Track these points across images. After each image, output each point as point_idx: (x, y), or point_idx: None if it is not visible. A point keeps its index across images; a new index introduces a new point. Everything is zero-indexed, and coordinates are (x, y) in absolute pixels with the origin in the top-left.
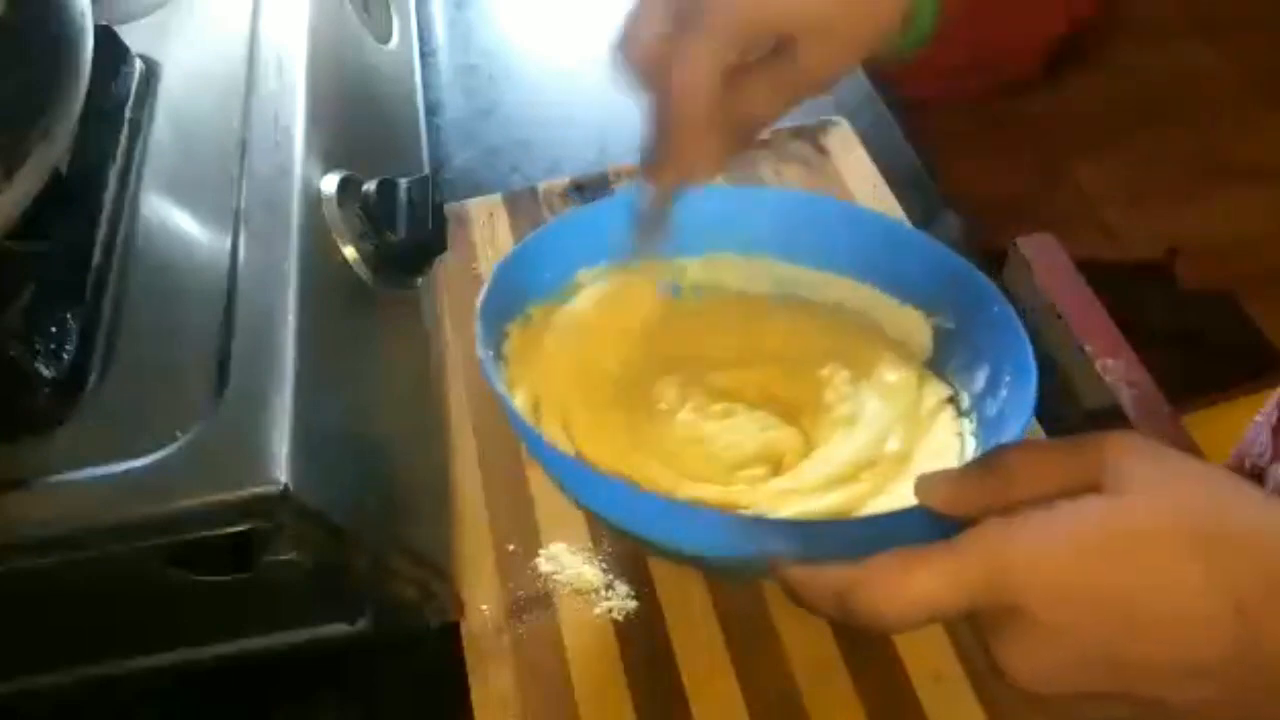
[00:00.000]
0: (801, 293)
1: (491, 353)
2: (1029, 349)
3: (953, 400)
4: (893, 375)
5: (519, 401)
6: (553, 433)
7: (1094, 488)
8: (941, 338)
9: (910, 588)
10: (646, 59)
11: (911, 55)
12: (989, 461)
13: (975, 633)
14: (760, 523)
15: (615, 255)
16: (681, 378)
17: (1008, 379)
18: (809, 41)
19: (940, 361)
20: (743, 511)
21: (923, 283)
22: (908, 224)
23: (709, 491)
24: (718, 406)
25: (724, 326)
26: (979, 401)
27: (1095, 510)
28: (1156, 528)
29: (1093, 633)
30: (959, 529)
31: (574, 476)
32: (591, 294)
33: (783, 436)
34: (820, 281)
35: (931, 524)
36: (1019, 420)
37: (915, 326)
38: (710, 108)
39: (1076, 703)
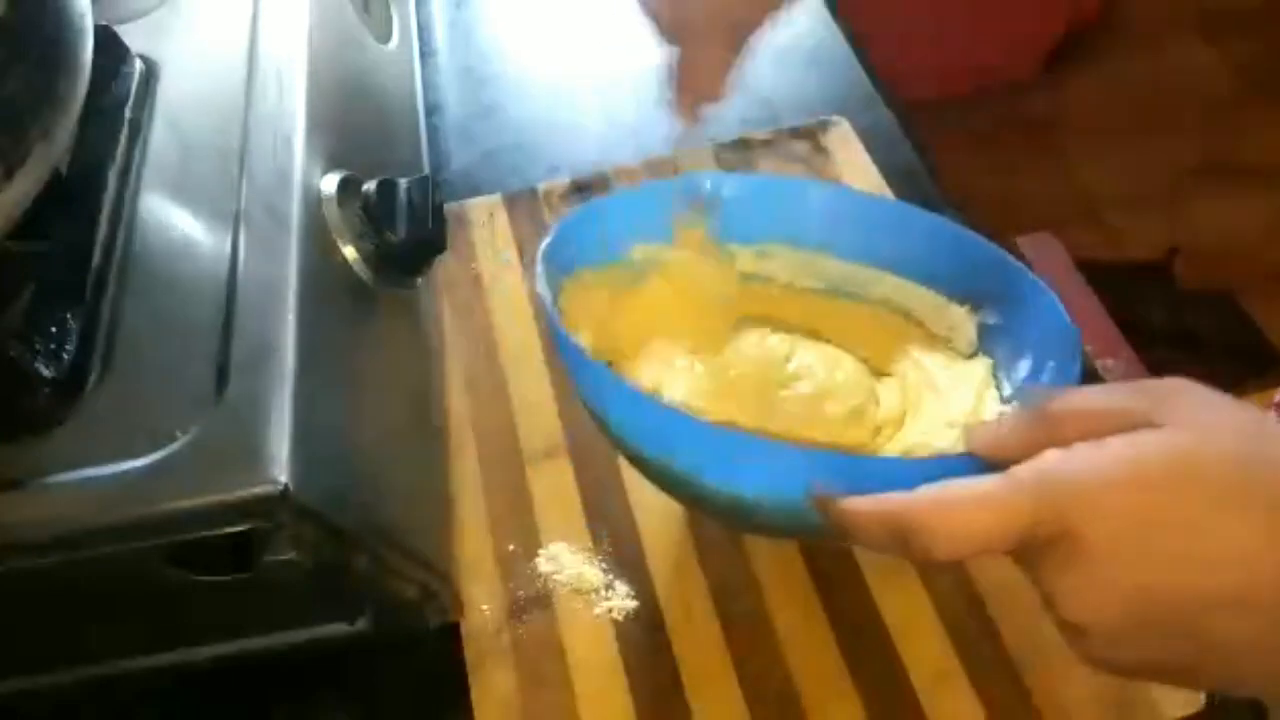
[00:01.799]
0: (848, 288)
1: (551, 294)
2: (1076, 334)
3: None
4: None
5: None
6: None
7: (1149, 426)
8: (985, 332)
9: (966, 514)
10: None
11: None
12: (1039, 409)
13: (1022, 565)
14: (807, 455)
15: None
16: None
17: (1051, 364)
18: None
19: (984, 352)
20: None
21: (967, 278)
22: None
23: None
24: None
25: (779, 313)
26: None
27: (1154, 442)
28: (1214, 460)
29: (1148, 560)
30: None
31: (614, 395)
32: (649, 261)
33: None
34: (867, 277)
35: (981, 471)
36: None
37: (961, 323)
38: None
39: (1119, 635)
